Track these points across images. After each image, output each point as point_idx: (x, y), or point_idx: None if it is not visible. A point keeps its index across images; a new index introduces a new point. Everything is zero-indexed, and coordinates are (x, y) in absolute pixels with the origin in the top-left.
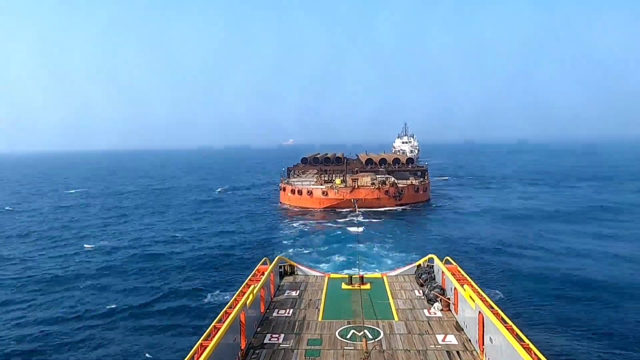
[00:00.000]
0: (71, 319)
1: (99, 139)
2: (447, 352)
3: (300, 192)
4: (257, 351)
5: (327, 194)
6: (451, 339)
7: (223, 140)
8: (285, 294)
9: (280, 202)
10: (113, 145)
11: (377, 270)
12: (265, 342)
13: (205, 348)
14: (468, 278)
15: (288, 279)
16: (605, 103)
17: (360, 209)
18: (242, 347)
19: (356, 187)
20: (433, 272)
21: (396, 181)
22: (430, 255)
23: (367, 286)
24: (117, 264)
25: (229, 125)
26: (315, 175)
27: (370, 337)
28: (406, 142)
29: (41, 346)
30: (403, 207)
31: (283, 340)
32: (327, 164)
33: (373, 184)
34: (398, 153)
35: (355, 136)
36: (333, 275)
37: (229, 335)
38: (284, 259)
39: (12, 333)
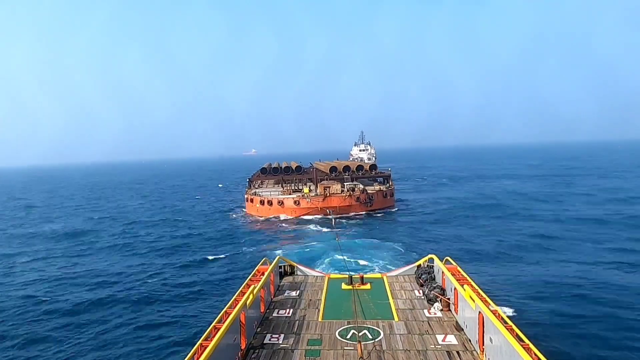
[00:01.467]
0: (69, 317)
1: (95, 150)
2: (447, 352)
3: (270, 203)
4: (257, 351)
5: (299, 203)
6: (451, 339)
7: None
8: (285, 294)
9: (247, 214)
10: (108, 157)
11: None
12: (265, 342)
13: (205, 348)
14: (468, 278)
15: (288, 279)
16: (605, 105)
17: (336, 218)
18: (242, 347)
19: (328, 195)
20: (433, 272)
21: (366, 188)
22: (430, 256)
23: (367, 286)
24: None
25: (231, 131)
26: (277, 185)
27: (370, 337)
28: (363, 150)
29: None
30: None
31: (283, 341)
32: (287, 173)
33: (343, 191)
34: (356, 161)
35: (351, 137)
36: (333, 276)
37: (229, 335)
38: (284, 259)
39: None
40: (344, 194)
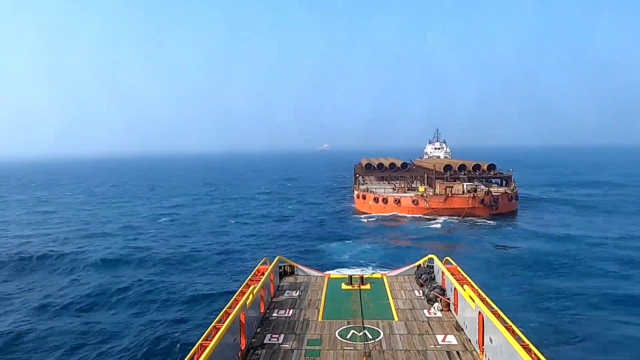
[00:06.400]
0: (68, 312)
1: (99, 142)
2: (447, 352)
3: (385, 200)
4: (257, 351)
5: (417, 203)
6: (451, 339)
7: (232, 144)
8: (285, 294)
9: (356, 210)
10: (112, 148)
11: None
12: (265, 342)
13: (205, 348)
14: (468, 278)
15: (288, 279)
16: (605, 106)
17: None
18: (242, 348)
19: (450, 195)
20: (433, 272)
21: (491, 189)
22: (430, 256)
23: (367, 286)
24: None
25: (231, 128)
26: (381, 182)
27: (370, 337)
28: (439, 148)
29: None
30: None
31: (283, 341)
32: (393, 170)
33: (469, 191)
34: (432, 159)
35: (354, 137)
36: (333, 276)
37: (228, 335)
38: (284, 259)
39: None
40: (468, 196)
